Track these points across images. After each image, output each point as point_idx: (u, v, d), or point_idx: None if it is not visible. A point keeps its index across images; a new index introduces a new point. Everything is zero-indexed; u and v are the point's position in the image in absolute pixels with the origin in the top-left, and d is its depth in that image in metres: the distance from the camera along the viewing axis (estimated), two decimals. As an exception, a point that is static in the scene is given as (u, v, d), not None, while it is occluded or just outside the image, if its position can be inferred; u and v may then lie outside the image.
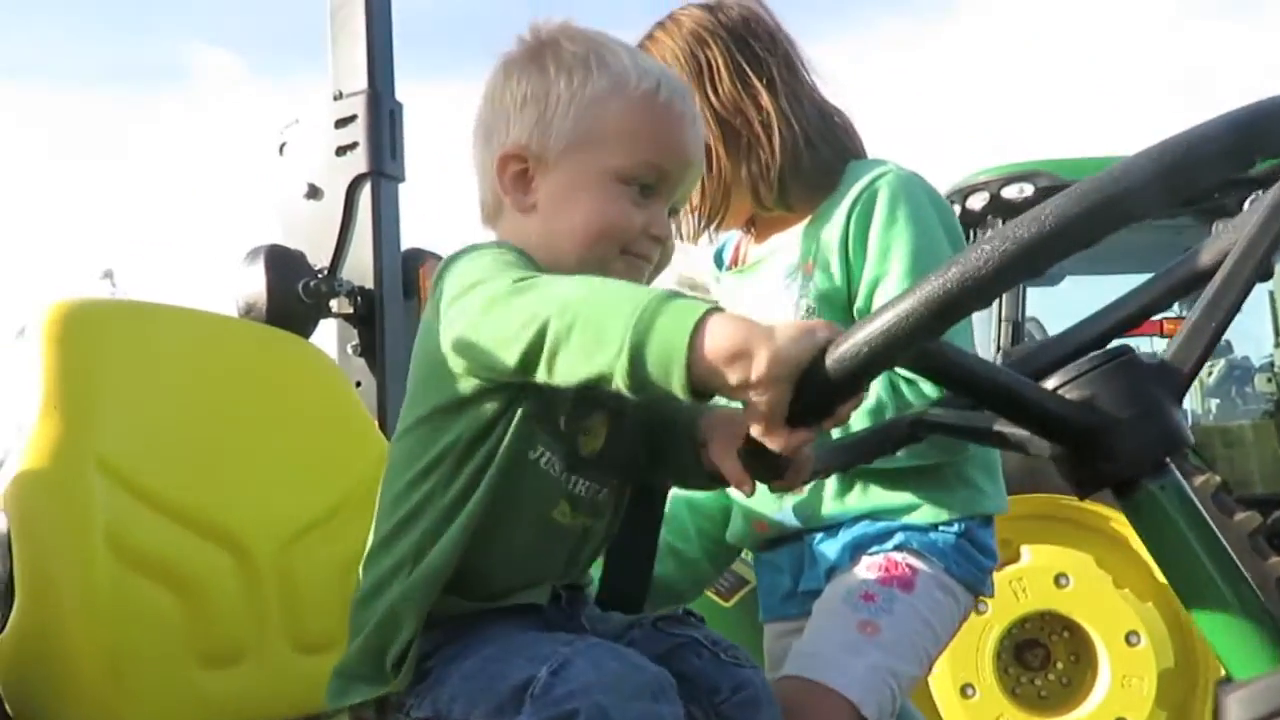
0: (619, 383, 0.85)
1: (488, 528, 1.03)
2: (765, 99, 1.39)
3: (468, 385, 1.01)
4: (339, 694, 1.07)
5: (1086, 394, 0.83)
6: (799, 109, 1.41)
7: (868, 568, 1.32)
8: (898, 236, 1.33)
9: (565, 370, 0.88)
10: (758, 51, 1.41)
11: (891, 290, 1.32)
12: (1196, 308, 0.83)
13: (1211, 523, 0.83)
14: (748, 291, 1.49)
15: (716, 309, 0.84)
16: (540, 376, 0.91)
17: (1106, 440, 0.82)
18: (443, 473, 1.04)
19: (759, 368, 0.80)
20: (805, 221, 1.43)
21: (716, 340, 0.81)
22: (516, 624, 1.03)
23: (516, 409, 1.02)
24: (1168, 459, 0.84)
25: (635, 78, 1.07)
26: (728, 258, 1.60)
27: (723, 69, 1.40)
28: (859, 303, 1.36)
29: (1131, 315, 1.02)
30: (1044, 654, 3.49)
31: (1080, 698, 3.39)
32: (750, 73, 1.40)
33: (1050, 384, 0.86)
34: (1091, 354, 0.86)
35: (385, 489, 1.10)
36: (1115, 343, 0.92)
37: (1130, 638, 3.29)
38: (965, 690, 3.35)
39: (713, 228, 1.47)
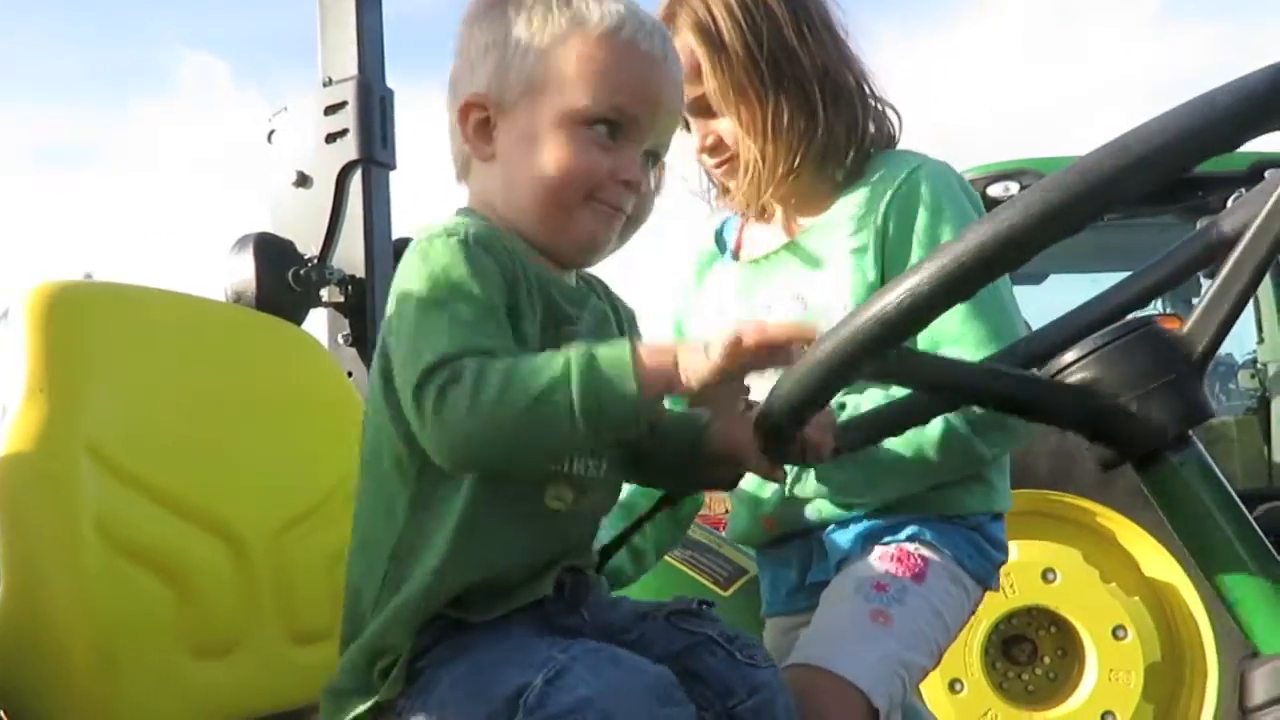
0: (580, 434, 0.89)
1: (483, 523, 0.98)
2: (855, 66, 1.42)
3: None
4: (334, 712, 1.02)
5: (1103, 369, 0.82)
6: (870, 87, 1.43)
7: (879, 558, 1.31)
8: (945, 232, 1.31)
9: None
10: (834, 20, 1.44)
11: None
12: (1216, 279, 0.81)
13: (1235, 496, 0.82)
14: (769, 283, 1.44)
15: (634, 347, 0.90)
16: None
17: (1125, 415, 0.81)
18: (417, 474, 0.99)
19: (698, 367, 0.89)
20: (827, 212, 1.40)
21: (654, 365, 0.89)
22: (511, 625, 0.99)
23: None
24: (1189, 432, 0.83)
25: (596, 16, 1.02)
26: (731, 242, 1.56)
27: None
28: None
29: (1144, 291, 1.01)
30: (1031, 649, 3.49)
31: (1067, 692, 3.40)
32: (835, 32, 1.43)
33: (1069, 357, 0.85)
34: (1112, 326, 0.85)
35: (365, 473, 1.07)
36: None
37: (1117, 632, 3.30)
38: (953, 685, 3.35)
39: (767, 192, 1.41)
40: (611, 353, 0.89)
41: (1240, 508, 0.82)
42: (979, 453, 1.30)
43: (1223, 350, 4.91)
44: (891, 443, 1.25)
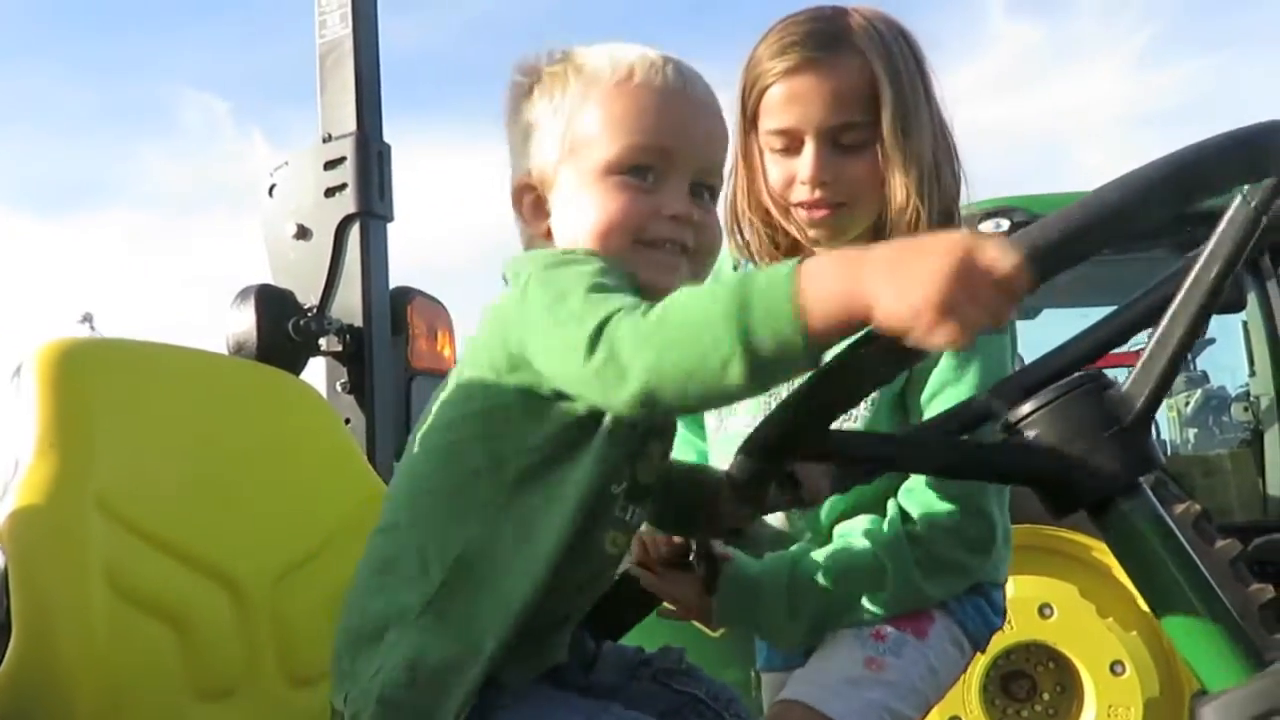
0: (740, 372, 0.79)
1: (561, 556, 0.97)
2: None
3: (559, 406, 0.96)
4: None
5: (1054, 422, 0.87)
6: None
7: None
8: (977, 349, 1.23)
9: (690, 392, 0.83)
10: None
11: (956, 398, 1.22)
12: (1154, 336, 0.86)
13: (1183, 539, 0.86)
14: None
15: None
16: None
17: (1077, 466, 0.86)
18: (511, 484, 0.98)
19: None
20: None
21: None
22: (541, 687, 1.01)
23: (601, 433, 0.97)
24: (1139, 480, 0.87)
25: (608, 71, 1.04)
26: None
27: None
28: (923, 398, 1.27)
29: (1099, 344, 1.06)
30: (1030, 685, 3.50)
31: (1067, 728, 3.40)
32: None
33: (1024, 410, 0.90)
34: (1060, 381, 0.90)
35: (413, 477, 1.05)
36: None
37: (1115, 667, 3.30)
38: (953, 723, 3.36)
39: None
40: (770, 288, 0.79)
41: (1188, 551, 0.86)
42: (928, 594, 1.28)
43: (1216, 383, 4.98)
44: (845, 584, 1.25)
